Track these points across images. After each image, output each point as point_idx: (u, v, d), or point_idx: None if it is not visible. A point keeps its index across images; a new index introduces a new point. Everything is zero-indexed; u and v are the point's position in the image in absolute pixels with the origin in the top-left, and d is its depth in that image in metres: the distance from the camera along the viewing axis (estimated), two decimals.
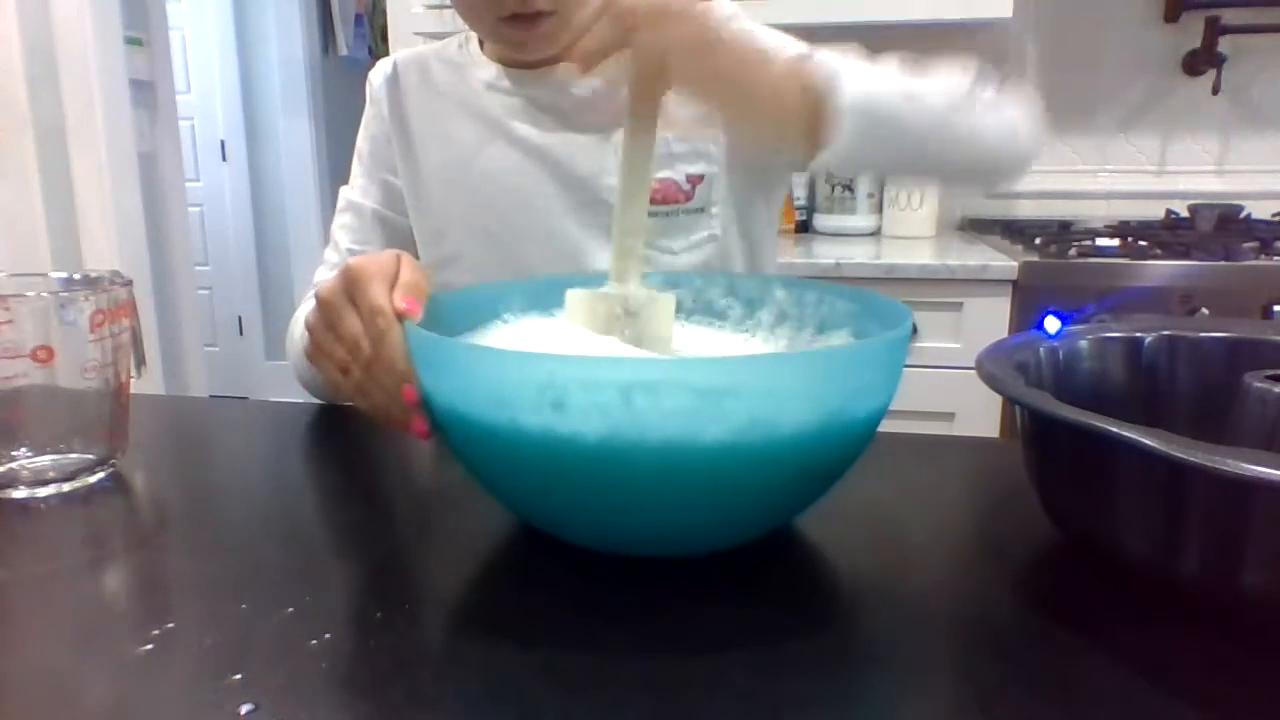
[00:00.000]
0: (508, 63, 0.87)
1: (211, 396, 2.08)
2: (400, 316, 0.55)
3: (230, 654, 0.39)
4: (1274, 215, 1.87)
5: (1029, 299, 1.50)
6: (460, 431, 0.45)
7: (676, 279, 0.63)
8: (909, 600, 0.44)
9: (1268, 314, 1.44)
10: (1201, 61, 1.92)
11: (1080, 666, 0.38)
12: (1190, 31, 1.93)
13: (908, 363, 0.47)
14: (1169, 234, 1.69)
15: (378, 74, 0.92)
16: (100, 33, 1.90)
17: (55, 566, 0.49)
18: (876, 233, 1.97)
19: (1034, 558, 0.49)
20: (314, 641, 0.40)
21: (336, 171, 3.48)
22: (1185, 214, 1.87)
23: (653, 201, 0.84)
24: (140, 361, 0.63)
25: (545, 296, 0.61)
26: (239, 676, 0.37)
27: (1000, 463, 0.65)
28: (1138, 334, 0.56)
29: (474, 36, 0.90)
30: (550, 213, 0.85)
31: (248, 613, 0.43)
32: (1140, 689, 0.37)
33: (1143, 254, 1.53)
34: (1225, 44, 1.90)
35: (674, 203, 0.84)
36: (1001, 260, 1.53)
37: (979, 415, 1.51)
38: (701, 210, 0.86)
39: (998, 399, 1.07)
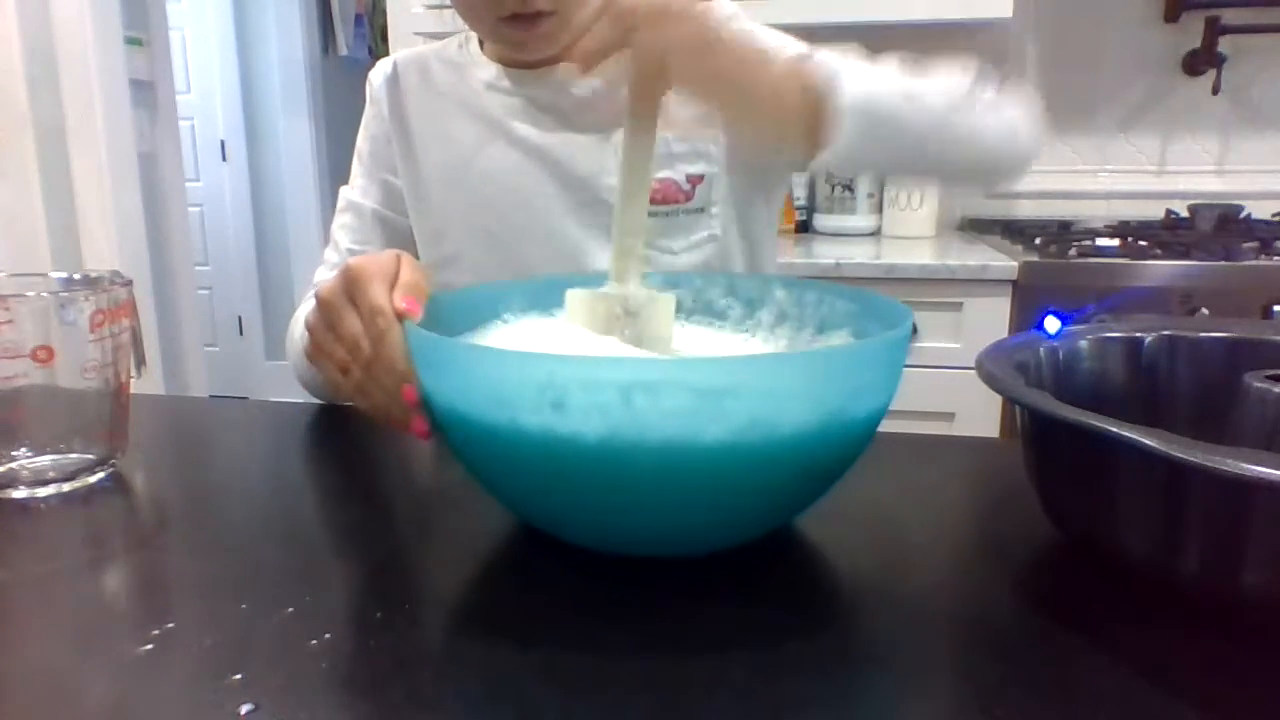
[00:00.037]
0: (508, 63, 0.87)
1: (211, 396, 2.08)
2: (400, 316, 0.55)
3: (230, 654, 0.39)
4: (1274, 215, 1.87)
5: (1029, 299, 1.50)
6: (460, 431, 0.45)
7: (676, 279, 0.63)
8: (909, 600, 0.44)
9: (1268, 314, 1.44)
10: (1201, 61, 1.92)
11: (1080, 666, 0.38)
12: (1190, 31, 1.93)
13: (908, 363, 0.47)
14: (1169, 234, 1.69)
15: (378, 74, 0.92)
16: (100, 33, 1.90)
17: (55, 566, 0.49)
18: (876, 233, 1.97)
19: (1034, 558, 0.49)
20: (314, 641, 0.40)
21: (336, 171, 3.48)
22: (1185, 214, 1.87)
23: (653, 201, 0.84)
24: (140, 361, 0.63)
25: (545, 296, 0.61)
26: (239, 676, 0.37)
27: (1000, 463, 0.65)
28: (1138, 334, 0.56)
29: (474, 36, 0.90)
30: (550, 213, 0.85)
31: (248, 613, 0.43)
32: (1140, 689, 0.37)
33: (1143, 254, 1.53)
34: (1225, 44, 1.90)
35: (674, 203, 0.84)
36: (1001, 260, 1.53)
37: (979, 415, 1.51)
38: (701, 210, 0.86)
39: (998, 399, 1.07)
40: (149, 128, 2.17)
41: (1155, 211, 1.96)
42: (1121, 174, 2.04)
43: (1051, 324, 0.56)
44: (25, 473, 0.58)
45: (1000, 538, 0.52)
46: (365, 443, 0.71)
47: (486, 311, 0.60)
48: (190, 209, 2.78)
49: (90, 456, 0.60)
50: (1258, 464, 0.34)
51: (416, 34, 1.87)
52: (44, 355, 0.56)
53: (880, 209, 1.97)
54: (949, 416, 1.55)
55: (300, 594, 0.45)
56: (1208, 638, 0.40)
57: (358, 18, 3.52)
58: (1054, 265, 1.52)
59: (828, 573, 0.49)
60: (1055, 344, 0.55)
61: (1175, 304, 1.46)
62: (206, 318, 3.46)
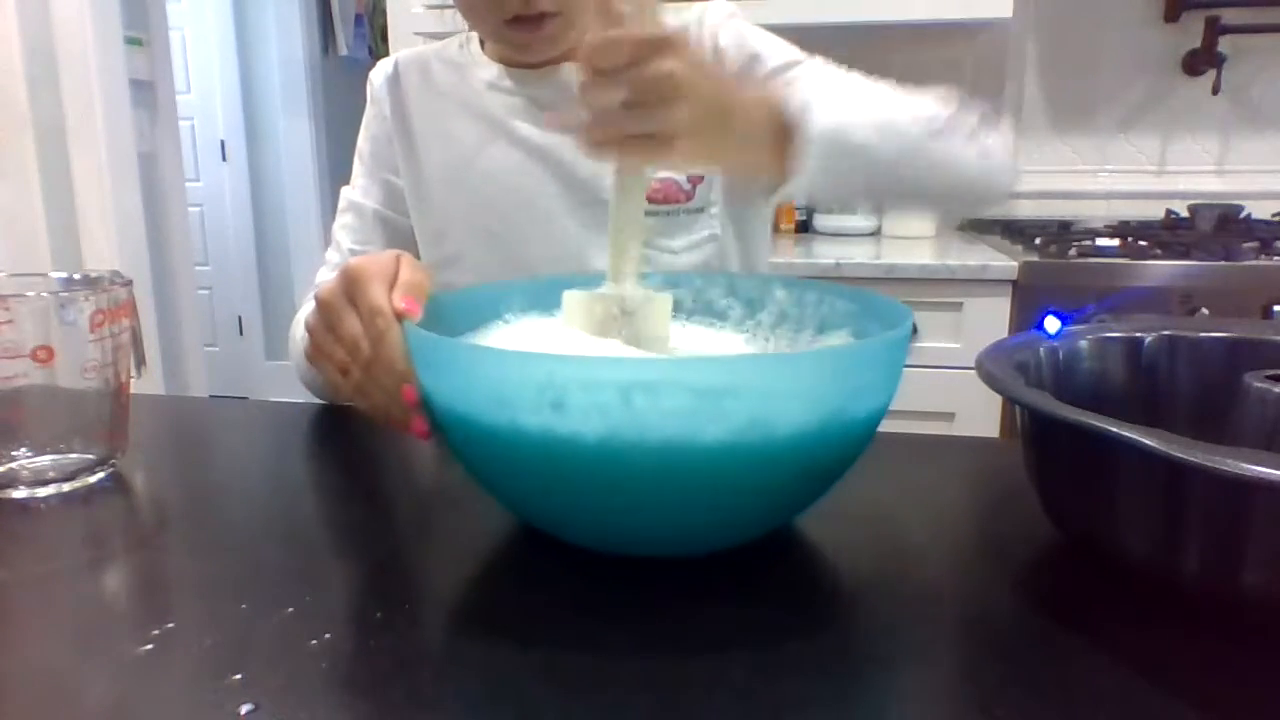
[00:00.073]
0: (509, 62, 0.87)
1: (211, 396, 2.08)
2: (400, 316, 0.55)
3: (230, 654, 0.39)
4: (1274, 215, 1.87)
5: (1029, 299, 1.50)
6: (460, 432, 0.45)
7: (676, 279, 0.63)
8: (909, 600, 0.44)
9: (1268, 314, 1.44)
10: (1201, 61, 1.92)
11: (1080, 666, 0.38)
12: (1190, 31, 1.93)
13: (908, 363, 0.47)
14: (1169, 234, 1.69)
15: (379, 74, 0.92)
16: (100, 33, 1.90)
17: (55, 566, 0.49)
18: (876, 233, 1.97)
19: (1034, 558, 0.49)
20: (314, 641, 0.40)
21: (336, 171, 3.48)
22: (1185, 214, 1.87)
23: (654, 201, 0.84)
24: (140, 361, 0.63)
25: (546, 296, 0.61)
26: (239, 676, 0.37)
27: (1000, 463, 0.65)
28: (1138, 334, 0.56)
29: (474, 36, 0.90)
30: (551, 213, 0.85)
31: (248, 613, 0.43)
32: (1140, 689, 0.37)
33: (1143, 254, 1.53)
34: (1225, 44, 1.90)
35: (675, 202, 0.84)
36: (1001, 260, 1.53)
37: (979, 415, 1.51)
38: (701, 210, 0.86)
39: (998, 399, 1.07)
40: (149, 128, 2.17)
41: (1155, 211, 1.96)
42: (1121, 174, 2.04)
43: (1051, 324, 0.56)
44: (25, 473, 0.58)
45: (1000, 538, 0.52)
46: (365, 443, 0.71)
47: (487, 311, 0.60)
48: (190, 209, 2.78)
49: (90, 456, 0.60)
50: (1258, 464, 0.34)
51: (416, 34, 1.87)
52: (44, 355, 0.56)
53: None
54: (949, 416, 1.55)
55: (300, 594, 0.45)
56: (1208, 638, 0.40)
57: (358, 18, 3.52)
58: (1054, 265, 1.52)
59: (828, 573, 0.49)
60: (1055, 344, 0.55)
61: (1175, 304, 1.46)
62: (206, 318, 3.46)
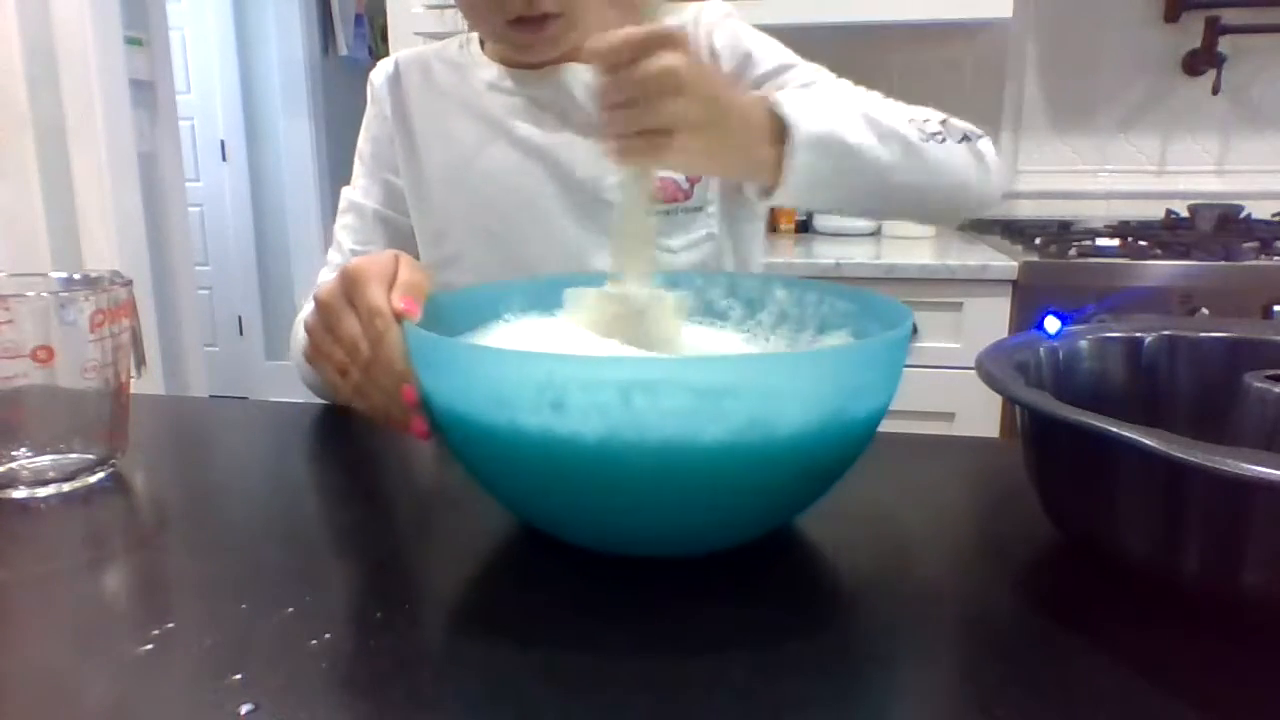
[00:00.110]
0: (509, 63, 0.87)
1: (211, 396, 2.08)
2: (399, 317, 0.55)
3: (230, 654, 0.39)
4: (1274, 215, 1.87)
5: (1029, 299, 1.50)
6: (459, 432, 0.45)
7: (676, 278, 0.63)
8: (909, 600, 0.44)
9: (1268, 314, 1.44)
10: (1201, 61, 1.92)
11: (1080, 666, 0.38)
12: (1190, 31, 1.93)
13: (908, 363, 0.47)
14: (1169, 234, 1.69)
15: (379, 74, 0.92)
16: (100, 33, 1.90)
17: (55, 566, 0.49)
18: (876, 233, 1.97)
19: (1034, 558, 0.49)
20: (314, 641, 0.40)
21: (336, 171, 3.48)
22: (1185, 214, 1.87)
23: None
24: (140, 361, 0.63)
25: (546, 296, 0.61)
26: (239, 676, 0.37)
27: (1000, 463, 0.65)
28: (1138, 334, 0.56)
29: (475, 37, 0.90)
30: (551, 213, 0.85)
31: (248, 613, 0.43)
32: (1140, 689, 0.37)
33: (1143, 254, 1.53)
34: (1225, 44, 1.90)
35: (674, 201, 0.85)
36: (1001, 260, 1.53)
37: (979, 415, 1.51)
38: (700, 209, 0.86)
39: (998, 399, 1.07)
40: (149, 128, 2.17)
41: (1155, 211, 1.96)
42: (1121, 174, 2.04)
43: (1051, 324, 0.56)
44: (25, 473, 0.58)
45: (1000, 538, 0.52)
46: (365, 443, 0.71)
47: (487, 311, 0.60)
48: (190, 209, 2.78)
49: (90, 456, 0.60)
50: (1258, 464, 0.34)
51: (416, 34, 1.87)
52: (44, 355, 0.56)
53: None
54: (949, 416, 1.55)
55: (300, 594, 0.45)
56: (1208, 638, 0.40)
57: (358, 18, 3.52)
58: (1054, 265, 1.52)
59: (827, 572, 0.49)
60: (1055, 344, 0.55)
61: (1175, 304, 1.46)
62: (206, 318, 3.46)
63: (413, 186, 0.90)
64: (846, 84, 0.81)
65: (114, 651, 0.40)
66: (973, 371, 0.49)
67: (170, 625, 0.42)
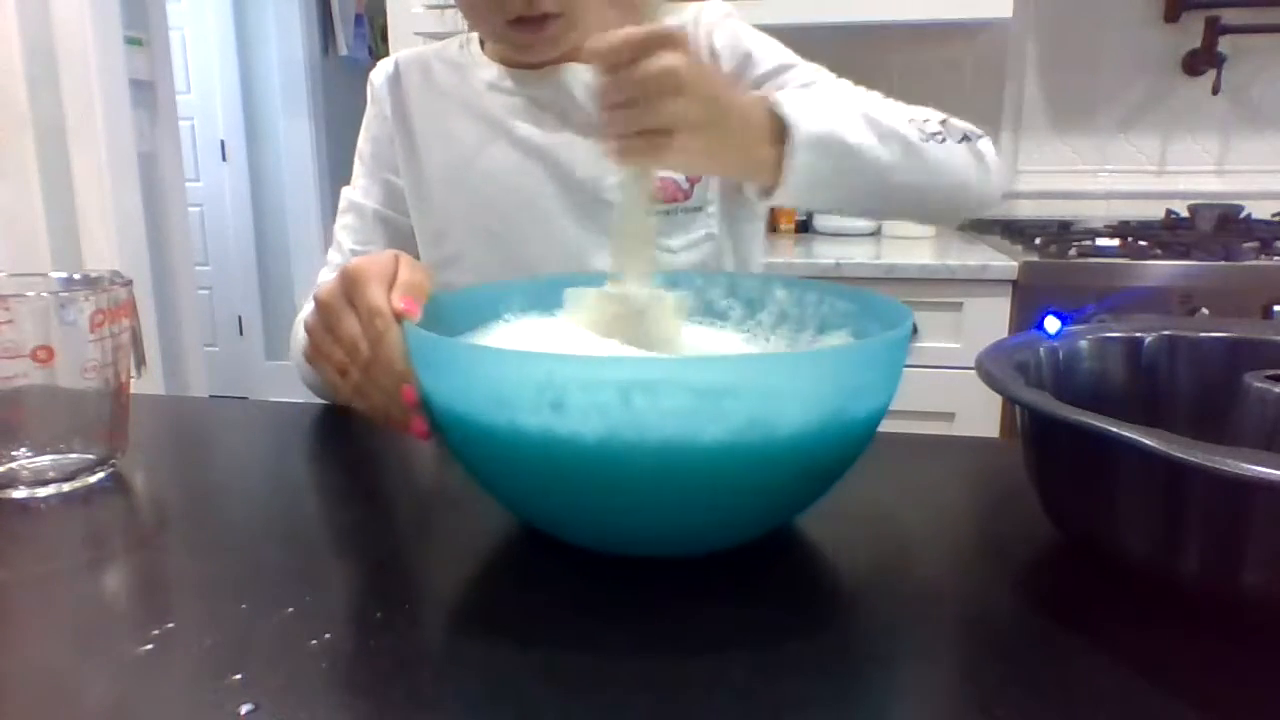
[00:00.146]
0: (509, 63, 0.87)
1: (211, 396, 2.08)
2: (399, 317, 0.55)
3: (230, 654, 0.39)
4: (1274, 215, 1.87)
5: (1029, 299, 1.50)
6: (459, 432, 0.45)
7: (676, 278, 0.63)
8: (909, 600, 0.44)
9: (1268, 314, 1.44)
10: (1201, 61, 1.93)
11: (1080, 666, 0.38)
12: (1190, 31, 1.93)
13: (908, 363, 0.47)
14: (1169, 234, 1.69)
15: (379, 74, 0.92)
16: (100, 33, 1.90)
17: (55, 566, 0.49)
18: (876, 233, 1.97)
19: (1034, 558, 0.49)
20: (314, 641, 0.40)
21: (336, 171, 3.48)
22: (1185, 214, 1.87)
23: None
24: (140, 361, 0.63)
25: (546, 296, 0.61)
26: (239, 676, 0.37)
27: (1000, 463, 0.65)
28: (1138, 334, 0.56)
29: (475, 37, 0.90)
30: (551, 213, 0.85)
31: (248, 613, 0.43)
32: (1140, 689, 0.37)
33: (1143, 254, 1.53)
34: (1225, 44, 1.90)
35: (674, 201, 0.85)
36: (1001, 260, 1.53)
37: (979, 415, 1.51)
38: (699, 209, 0.86)
39: (998, 399, 1.07)
40: (149, 128, 2.17)
41: (1155, 211, 1.96)
42: (1121, 174, 2.04)
43: (1051, 324, 0.56)
44: (25, 473, 0.58)
45: (1000, 538, 0.52)
46: (365, 443, 0.71)
47: (487, 311, 0.60)
48: (190, 209, 2.78)
49: (90, 456, 0.60)
50: (1258, 464, 0.34)
51: (416, 34, 1.87)
52: (44, 355, 0.56)
53: None
54: (949, 416, 1.55)
55: (300, 594, 0.45)
56: (1208, 638, 0.40)
57: (358, 18, 3.52)
58: (1054, 265, 1.52)
59: (827, 572, 0.49)
60: (1055, 344, 0.55)
61: (1175, 304, 1.46)
62: (206, 318, 3.46)
63: (413, 186, 0.90)
64: (846, 84, 0.81)
65: (114, 651, 0.40)
66: (973, 371, 0.49)
67: (170, 625, 0.42)
